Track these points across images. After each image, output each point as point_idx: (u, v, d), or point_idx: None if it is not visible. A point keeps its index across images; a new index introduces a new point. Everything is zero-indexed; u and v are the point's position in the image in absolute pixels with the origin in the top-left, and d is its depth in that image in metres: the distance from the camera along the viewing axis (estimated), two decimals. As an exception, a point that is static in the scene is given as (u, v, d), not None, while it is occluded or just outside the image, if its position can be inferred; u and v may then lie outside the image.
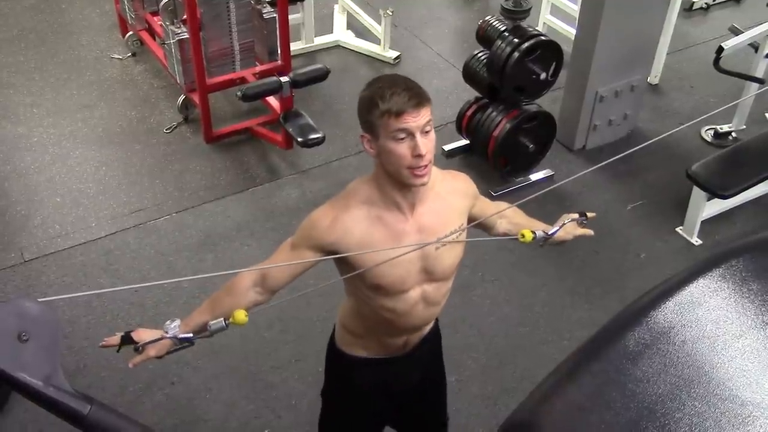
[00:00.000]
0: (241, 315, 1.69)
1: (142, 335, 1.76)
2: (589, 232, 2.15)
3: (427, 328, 2.15)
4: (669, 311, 1.30)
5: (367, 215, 1.83)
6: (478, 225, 2.07)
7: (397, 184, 1.80)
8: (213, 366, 3.26)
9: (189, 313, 3.66)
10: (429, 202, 1.87)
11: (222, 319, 1.74)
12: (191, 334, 1.78)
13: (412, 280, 1.91)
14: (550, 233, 2.01)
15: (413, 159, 1.72)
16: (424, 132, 1.72)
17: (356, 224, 1.83)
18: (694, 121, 2.12)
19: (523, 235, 1.86)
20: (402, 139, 1.72)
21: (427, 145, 1.73)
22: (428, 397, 2.32)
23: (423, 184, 1.79)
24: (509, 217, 2.14)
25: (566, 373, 1.31)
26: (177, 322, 1.78)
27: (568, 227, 2.08)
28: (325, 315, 3.43)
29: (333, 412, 2.34)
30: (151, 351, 1.77)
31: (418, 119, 1.71)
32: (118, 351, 1.77)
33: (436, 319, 2.21)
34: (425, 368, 2.23)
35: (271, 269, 1.87)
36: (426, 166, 1.75)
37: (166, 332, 1.75)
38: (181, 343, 1.77)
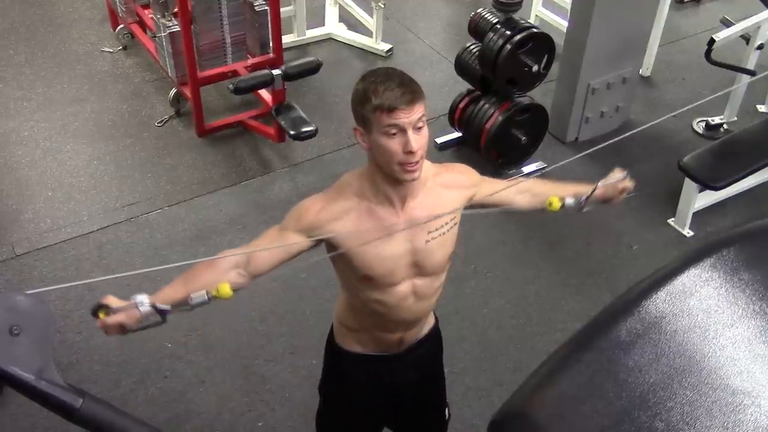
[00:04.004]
0: (225, 288, 1.58)
1: (113, 302, 1.65)
2: (631, 185, 2.06)
3: (425, 330, 2.15)
4: (660, 301, 1.30)
5: (358, 207, 1.83)
6: (490, 207, 2.04)
7: (389, 178, 1.79)
8: (206, 359, 3.26)
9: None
10: (421, 197, 1.86)
11: (204, 291, 1.63)
12: (168, 307, 1.64)
13: (401, 274, 1.91)
14: (583, 200, 1.90)
15: (404, 155, 1.72)
16: (416, 128, 1.71)
17: (347, 214, 1.83)
18: (682, 110, 2.10)
19: (550, 203, 1.77)
20: (393, 134, 1.71)
21: (418, 141, 1.72)
22: (425, 399, 2.31)
23: (413, 180, 1.78)
24: (529, 189, 2.06)
25: (558, 363, 1.31)
26: (144, 296, 1.64)
27: (608, 186, 2.00)
28: (318, 308, 3.43)
29: (329, 408, 2.34)
30: (121, 316, 1.62)
31: (410, 115, 1.70)
32: (97, 317, 1.62)
33: (436, 322, 2.21)
34: (422, 370, 2.22)
35: (256, 252, 1.81)
36: (417, 162, 1.74)
37: (135, 304, 1.61)
38: (155, 317, 1.62)
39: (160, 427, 1.28)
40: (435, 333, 2.21)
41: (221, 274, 1.75)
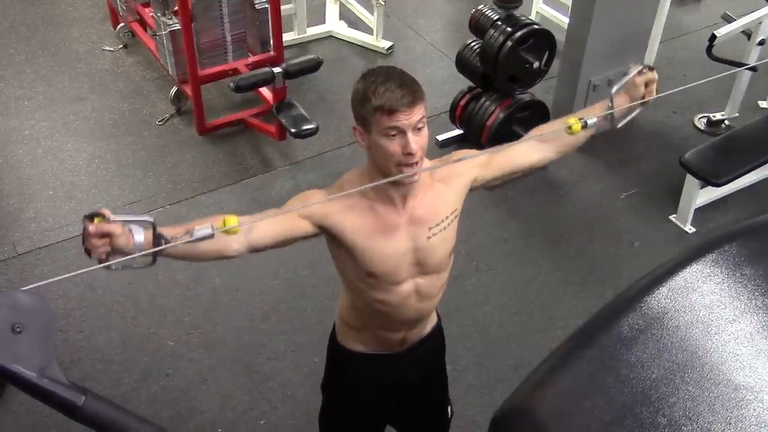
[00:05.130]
0: (233, 220, 1.43)
1: (108, 213, 1.49)
2: (653, 74, 1.89)
3: (427, 329, 2.14)
4: (662, 297, 1.30)
5: (360, 204, 1.83)
6: (511, 177, 1.97)
7: (388, 177, 1.78)
8: (208, 358, 3.26)
9: (183, 306, 3.67)
10: (420, 195, 1.85)
11: (210, 224, 1.47)
12: (168, 237, 1.50)
13: (404, 273, 1.90)
14: (604, 114, 1.75)
15: (403, 156, 1.71)
16: (416, 129, 1.70)
17: (351, 209, 1.82)
18: (660, 95, 2.01)
19: (569, 127, 1.63)
20: (393, 135, 1.69)
21: (418, 142, 1.71)
22: (428, 397, 2.31)
23: (412, 182, 1.78)
24: (544, 141, 1.94)
25: (560, 359, 1.31)
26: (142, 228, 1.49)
27: (629, 87, 1.84)
28: (319, 306, 3.43)
29: (332, 406, 2.33)
30: (116, 227, 1.45)
31: (410, 117, 1.68)
32: (92, 220, 1.46)
33: (439, 321, 2.20)
34: (424, 368, 2.21)
35: (257, 223, 1.72)
36: (416, 163, 1.73)
37: (130, 230, 1.47)
38: (145, 258, 1.47)
39: (163, 425, 1.28)
40: (437, 331, 2.21)
41: (219, 234, 1.62)
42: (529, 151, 1.97)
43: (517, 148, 1.97)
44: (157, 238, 1.49)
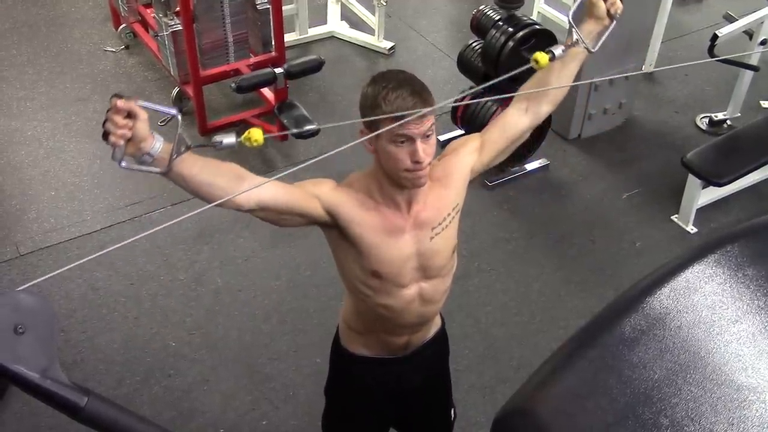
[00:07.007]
0: (258, 132, 1.41)
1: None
2: None
3: (431, 333, 2.14)
4: (664, 297, 1.30)
5: (368, 203, 1.83)
6: (515, 145, 1.93)
7: (395, 182, 1.78)
8: (210, 358, 3.26)
9: (186, 306, 3.67)
10: (423, 199, 1.85)
11: (234, 134, 1.47)
12: (189, 142, 1.51)
13: (408, 276, 1.90)
14: (575, 41, 1.70)
15: (411, 164, 1.70)
16: (425, 137, 1.69)
17: (359, 204, 1.82)
18: (658, 68, 2.01)
19: (536, 61, 1.56)
20: (402, 143, 1.69)
21: (426, 150, 1.70)
22: (431, 401, 2.31)
23: (419, 186, 1.78)
24: (528, 99, 1.91)
25: (562, 360, 1.31)
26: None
27: (590, 9, 1.78)
28: (321, 306, 3.43)
29: (335, 409, 2.33)
30: (142, 113, 1.46)
31: (420, 127, 1.67)
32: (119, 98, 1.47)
33: (443, 324, 2.20)
34: (428, 372, 2.20)
35: (272, 184, 1.72)
36: (423, 170, 1.73)
37: (153, 133, 1.48)
38: (158, 162, 1.51)
39: (165, 425, 1.28)
40: (441, 335, 2.20)
41: (237, 178, 1.66)
42: (519, 116, 1.92)
43: (507, 119, 1.92)
44: (180, 139, 1.47)
